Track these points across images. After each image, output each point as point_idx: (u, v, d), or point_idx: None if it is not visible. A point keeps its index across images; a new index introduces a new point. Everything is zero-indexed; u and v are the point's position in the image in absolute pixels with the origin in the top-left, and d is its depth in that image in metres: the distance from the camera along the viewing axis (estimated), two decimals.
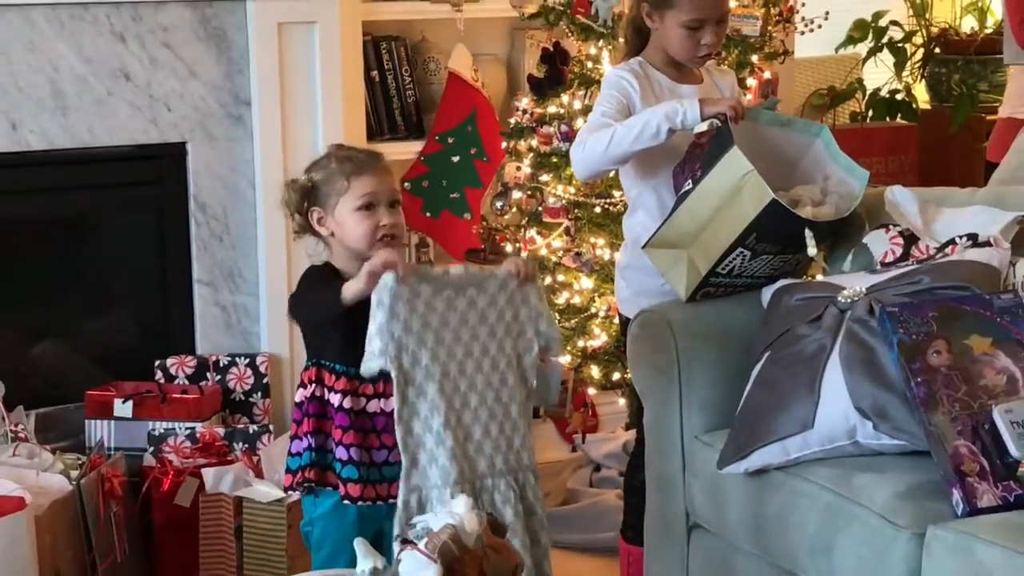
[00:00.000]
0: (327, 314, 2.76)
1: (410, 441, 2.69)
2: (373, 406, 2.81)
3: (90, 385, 3.93)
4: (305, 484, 2.83)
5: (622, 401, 4.30)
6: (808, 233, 2.97)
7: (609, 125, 3.10)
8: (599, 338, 4.03)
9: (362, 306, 2.69)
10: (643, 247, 3.15)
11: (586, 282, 4.03)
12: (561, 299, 4.08)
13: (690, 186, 3.05)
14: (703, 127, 3.02)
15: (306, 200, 2.88)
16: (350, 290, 2.71)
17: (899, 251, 3.02)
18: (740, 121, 3.03)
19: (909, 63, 5.96)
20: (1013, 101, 3.97)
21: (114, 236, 4.19)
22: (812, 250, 2.98)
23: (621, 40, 3.42)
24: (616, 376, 4.04)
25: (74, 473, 3.52)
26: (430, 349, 2.70)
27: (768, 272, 3.09)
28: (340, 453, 2.78)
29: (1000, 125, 4.00)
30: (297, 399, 2.89)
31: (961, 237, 2.95)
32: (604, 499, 4.12)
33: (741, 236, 2.98)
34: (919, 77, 5.98)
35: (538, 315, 2.83)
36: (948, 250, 2.95)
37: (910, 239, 3.02)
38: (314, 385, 2.82)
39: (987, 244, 2.91)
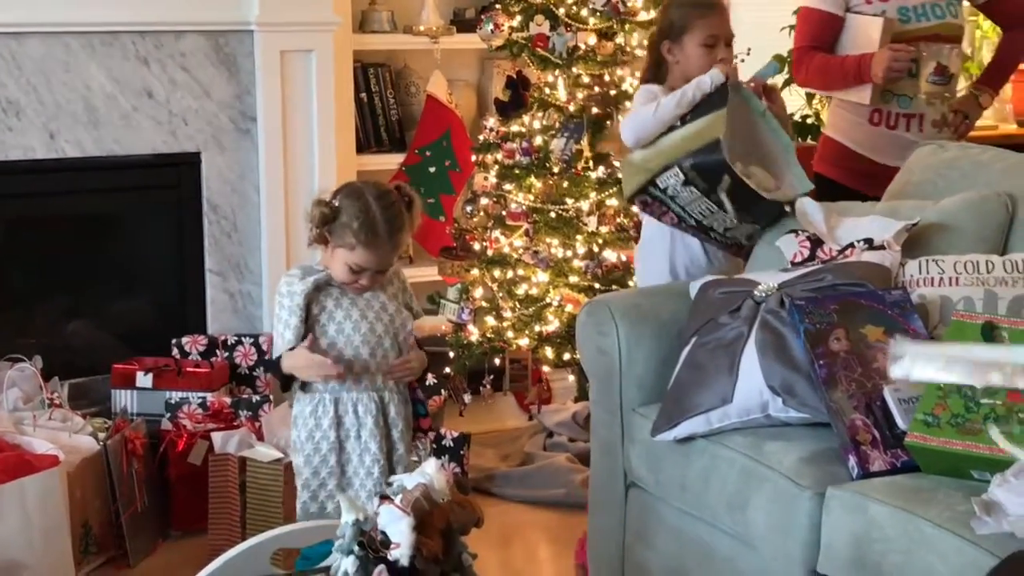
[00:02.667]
0: (280, 381, 2.84)
1: (331, 326, 2.78)
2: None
3: (116, 359, 3.92)
4: None
5: (571, 378, 4.31)
6: (727, 177, 3.04)
7: (656, 97, 3.26)
8: (552, 324, 4.03)
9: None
10: (624, 159, 3.29)
11: (542, 276, 4.03)
12: (520, 290, 4.08)
13: (678, 125, 3.17)
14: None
15: (325, 223, 2.74)
16: (288, 366, 2.75)
17: (807, 253, 3.02)
18: (732, 81, 3.19)
19: (818, 92, 5.97)
20: (828, 121, 3.97)
21: (137, 232, 4.17)
22: (723, 187, 3.05)
23: (643, 67, 3.50)
24: (567, 356, 4.05)
25: (101, 435, 3.52)
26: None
27: (696, 214, 3.15)
28: None
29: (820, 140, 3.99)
30: None
31: (859, 241, 2.96)
32: (555, 461, 4.12)
33: (684, 156, 3.09)
34: (827, 104, 5.99)
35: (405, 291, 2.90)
36: (848, 252, 2.95)
37: (816, 243, 3.03)
38: None
39: (881, 247, 2.92)
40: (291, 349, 2.76)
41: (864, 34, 3.64)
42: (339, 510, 2.72)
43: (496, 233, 4.11)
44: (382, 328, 2.80)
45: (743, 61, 4.19)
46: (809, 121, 5.98)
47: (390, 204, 2.75)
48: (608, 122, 4.02)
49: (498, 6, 4.16)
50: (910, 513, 2.36)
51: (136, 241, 4.17)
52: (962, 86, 4.02)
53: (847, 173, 3.72)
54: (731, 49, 3.32)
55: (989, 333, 2.50)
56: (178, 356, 3.96)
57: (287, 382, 2.82)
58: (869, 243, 2.94)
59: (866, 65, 3.59)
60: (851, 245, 2.96)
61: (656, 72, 3.36)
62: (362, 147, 4.51)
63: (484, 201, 4.18)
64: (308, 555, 2.63)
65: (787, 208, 3.18)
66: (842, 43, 3.71)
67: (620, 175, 3.36)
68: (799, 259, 3.01)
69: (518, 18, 4.06)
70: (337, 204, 2.74)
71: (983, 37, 5.53)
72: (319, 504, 2.81)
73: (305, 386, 2.82)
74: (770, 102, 3.29)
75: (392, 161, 4.53)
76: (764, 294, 2.84)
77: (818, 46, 3.73)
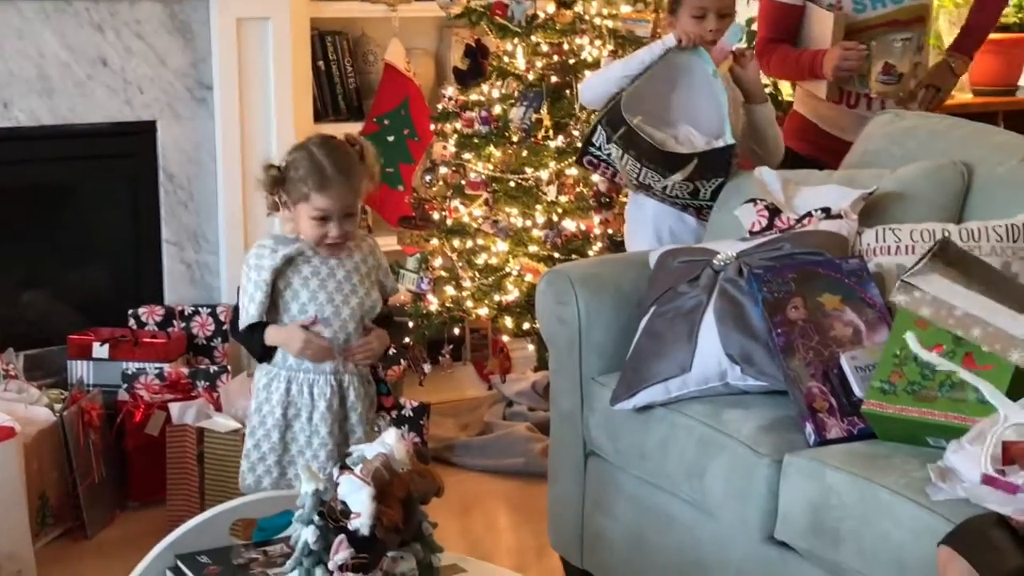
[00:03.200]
0: (253, 351, 2.82)
1: (294, 305, 2.75)
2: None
3: (72, 330, 3.89)
4: None
5: (531, 347, 4.32)
6: (622, 128, 3.17)
7: None
8: (512, 293, 4.03)
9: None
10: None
11: (502, 245, 4.03)
12: (480, 260, 4.08)
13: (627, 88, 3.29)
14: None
15: (276, 185, 2.75)
16: (273, 340, 2.74)
17: (765, 222, 3.03)
18: (686, 47, 3.26)
19: None
20: (795, 96, 3.95)
21: (93, 201, 4.14)
22: (613, 134, 3.20)
23: None
24: (526, 326, 4.05)
25: (58, 406, 3.50)
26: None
27: (629, 171, 3.23)
28: None
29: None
30: None
31: (817, 210, 2.97)
32: (515, 430, 4.13)
33: (600, 116, 3.27)
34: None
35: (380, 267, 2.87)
36: (806, 221, 2.96)
37: (774, 212, 3.04)
38: None
39: (838, 216, 2.93)
40: (264, 322, 2.75)
41: (819, 28, 3.63)
42: (277, 485, 2.73)
43: (455, 202, 4.11)
44: (348, 312, 2.78)
45: None
46: (768, 90, 5.98)
47: (333, 147, 2.74)
48: (567, 91, 4.02)
49: None
50: (867, 480, 2.38)
51: (91, 211, 4.14)
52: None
53: (814, 147, 3.72)
54: (727, 20, 3.31)
55: None
56: (135, 327, 3.93)
57: (267, 354, 2.79)
58: (827, 212, 2.95)
59: (819, 62, 3.58)
60: (809, 214, 2.97)
61: None
62: (320, 116, 4.48)
63: (443, 170, 4.17)
64: (264, 526, 2.63)
65: (695, 160, 3.18)
66: (802, 34, 3.70)
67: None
68: (757, 228, 3.02)
69: None
70: (283, 163, 2.74)
71: (939, 7, 5.54)
72: (256, 477, 2.81)
73: (265, 357, 2.80)
74: (740, 67, 3.33)
75: (350, 130, 4.48)
76: (723, 263, 2.85)
77: (779, 38, 3.70)
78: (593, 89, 3.40)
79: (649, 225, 3.42)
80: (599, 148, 3.27)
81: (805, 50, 3.65)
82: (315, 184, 2.69)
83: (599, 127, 3.26)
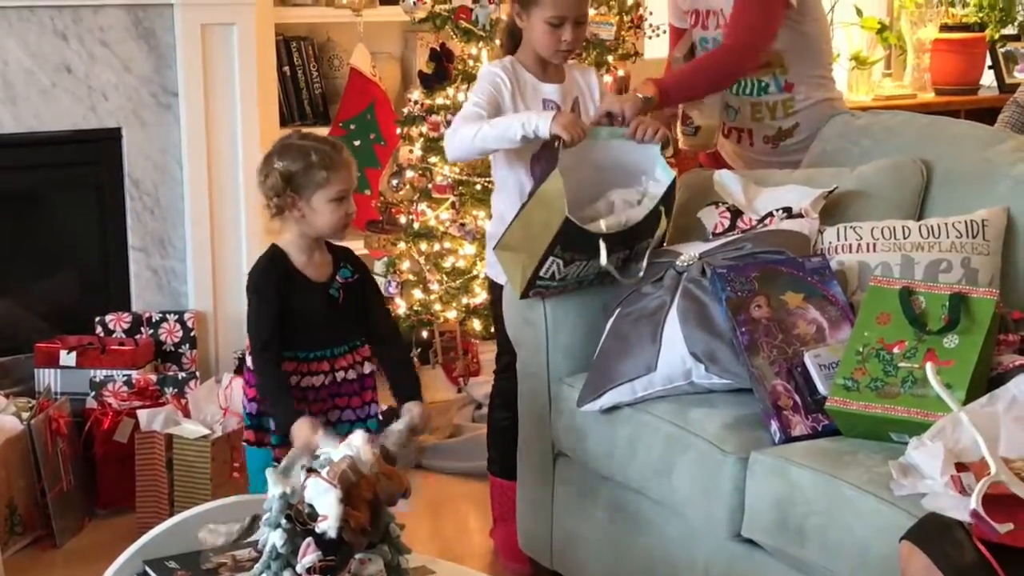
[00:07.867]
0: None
1: None
2: (306, 382, 2.77)
3: (39, 338, 3.87)
4: (245, 441, 2.85)
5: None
6: (601, 244, 2.86)
7: (481, 116, 3.02)
8: (479, 296, 4.04)
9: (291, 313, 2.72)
10: (494, 248, 3.04)
11: (469, 248, 4.04)
12: (448, 263, 4.08)
13: (527, 199, 2.96)
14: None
15: (287, 183, 2.68)
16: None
17: (727, 223, 3.04)
18: (576, 144, 2.91)
19: None
20: None
21: (59, 209, 4.12)
22: (603, 259, 2.86)
23: (498, 42, 3.40)
24: (494, 328, 4.06)
25: (25, 415, 3.48)
26: None
27: (591, 275, 2.97)
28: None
29: None
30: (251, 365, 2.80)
31: (778, 210, 2.99)
32: (484, 433, 4.13)
33: (550, 246, 2.85)
34: None
35: None
36: (767, 221, 2.98)
37: (736, 213, 3.05)
38: None
39: (799, 216, 2.96)
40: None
41: None
42: None
43: (422, 206, 4.11)
44: None
45: (665, 32, 4.22)
46: None
47: (310, 134, 2.79)
48: None
49: None
50: (831, 476, 2.40)
51: (58, 219, 4.12)
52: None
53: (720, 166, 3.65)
54: (581, 29, 3.11)
55: (906, 298, 2.54)
56: (102, 334, 3.92)
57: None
58: (788, 212, 2.97)
59: None
60: (770, 214, 2.99)
61: (511, 36, 3.19)
62: (285, 121, 4.48)
63: (410, 174, 4.17)
64: None
65: (661, 207, 2.95)
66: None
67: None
68: (720, 230, 3.04)
69: None
70: (282, 164, 2.70)
71: (900, 7, 5.59)
72: None
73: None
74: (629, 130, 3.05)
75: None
76: (686, 264, 2.87)
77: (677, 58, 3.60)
78: (459, 151, 3.09)
79: None
80: (552, 277, 2.94)
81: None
82: (329, 163, 2.68)
83: (551, 259, 2.87)
